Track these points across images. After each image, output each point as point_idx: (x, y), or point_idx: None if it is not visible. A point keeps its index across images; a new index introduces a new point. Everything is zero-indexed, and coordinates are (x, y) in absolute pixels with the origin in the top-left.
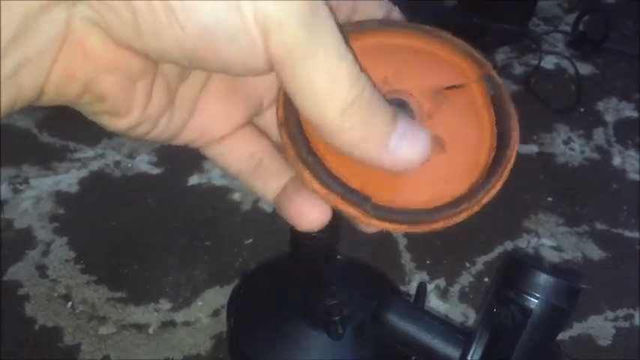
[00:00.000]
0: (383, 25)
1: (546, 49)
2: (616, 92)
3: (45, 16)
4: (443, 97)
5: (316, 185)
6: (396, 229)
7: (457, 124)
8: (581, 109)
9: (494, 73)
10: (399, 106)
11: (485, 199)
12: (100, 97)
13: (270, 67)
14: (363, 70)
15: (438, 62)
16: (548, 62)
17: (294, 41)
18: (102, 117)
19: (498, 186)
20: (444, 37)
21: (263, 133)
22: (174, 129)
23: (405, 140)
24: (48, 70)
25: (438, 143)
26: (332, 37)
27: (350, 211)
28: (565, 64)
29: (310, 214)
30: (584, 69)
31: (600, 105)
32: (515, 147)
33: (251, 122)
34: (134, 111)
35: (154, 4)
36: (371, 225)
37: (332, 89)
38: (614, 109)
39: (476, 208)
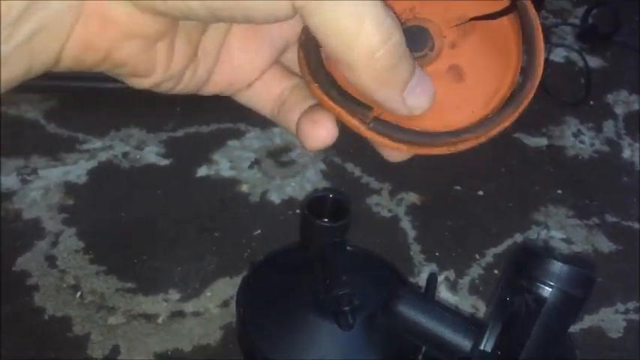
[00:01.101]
0: None
1: (555, 42)
2: (625, 85)
3: None
4: (471, 28)
5: (321, 96)
6: (397, 147)
7: (481, 55)
8: (591, 102)
9: (529, 5)
10: (418, 33)
11: (493, 131)
12: (121, 64)
13: (294, 12)
14: (390, 11)
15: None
16: (558, 55)
17: None
18: (124, 78)
19: (509, 119)
20: None
21: (289, 70)
22: (200, 80)
23: (418, 90)
24: (64, 38)
25: (456, 72)
26: None
27: (351, 121)
28: (574, 57)
29: (316, 131)
30: (594, 62)
31: (610, 98)
32: (536, 83)
33: (277, 61)
34: (157, 70)
35: None
36: (371, 139)
37: (359, 32)
38: (623, 102)
39: (482, 138)
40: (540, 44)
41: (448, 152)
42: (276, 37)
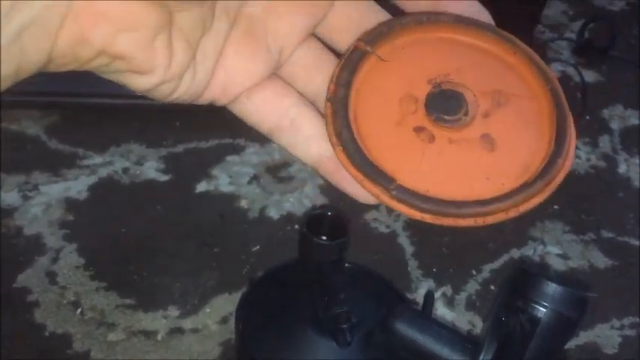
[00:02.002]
0: (458, 20)
1: (552, 57)
2: (621, 100)
3: None
4: (505, 100)
5: (345, 160)
6: (420, 217)
7: (514, 128)
8: (587, 117)
9: (559, 88)
10: (453, 97)
11: (524, 206)
12: (118, 57)
13: None
14: None
15: (506, 69)
16: (554, 69)
17: None
18: (123, 75)
19: (542, 195)
20: (517, 45)
21: (288, 84)
22: (198, 86)
23: None
24: (55, 34)
25: (487, 141)
26: None
27: (374, 190)
28: (570, 71)
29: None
30: (590, 76)
31: (606, 112)
32: (569, 163)
33: (275, 76)
34: (157, 69)
35: None
36: (394, 208)
37: None
38: (619, 117)
39: (512, 213)
40: (572, 128)
41: (475, 225)
42: (273, 42)
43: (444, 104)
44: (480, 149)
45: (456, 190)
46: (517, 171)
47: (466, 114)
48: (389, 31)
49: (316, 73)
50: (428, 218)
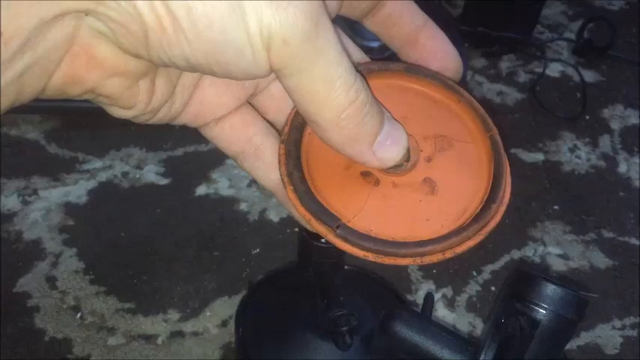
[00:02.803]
0: (408, 69)
1: (551, 57)
2: (621, 99)
3: (55, 26)
4: (448, 145)
5: (294, 200)
6: (363, 255)
7: (454, 172)
8: (587, 117)
9: (498, 135)
10: None
11: (459, 248)
12: (103, 97)
13: (270, 72)
14: (358, 75)
15: (450, 115)
16: (554, 70)
17: (297, 54)
18: (105, 107)
19: (475, 239)
20: (461, 93)
21: (259, 113)
22: (174, 114)
23: (387, 143)
24: (51, 73)
25: (429, 185)
26: (332, 47)
27: (320, 228)
28: (570, 71)
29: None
30: (590, 76)
31: (606, 112)
32: (502, 208)
33: (247, 103)
34: (138, 105)
35: (164, 23)
36: (338, 246)
37: (329, 94)
38: (619, 117)
39: (448, 254)
40: (508, 175)
41: (414, 264)
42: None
43: None
44: (422, 193)
45: (398, 230)
46: (455, 213)
47: (407, 160)
48: None
49: (288, 106)
50: (370, 257)
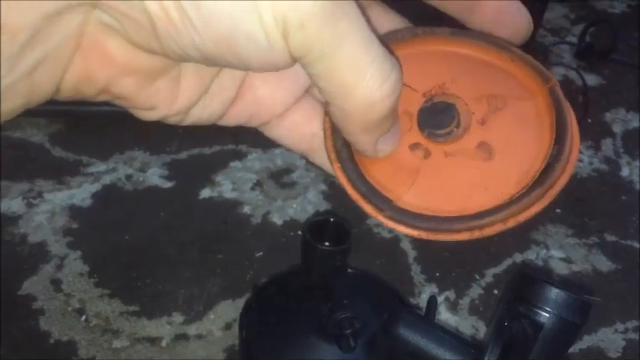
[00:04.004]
0: (454, 33)
1: (553, 61)
2: (624, 103)
3: (62, 19)
4: (503, 104)
5: (342, 178)
6: (417, 234)
7: (512, 132)
8: (589, 120)
9: (559, 89)
10: (445, 109)
11: (523, 216)
12: (119, 98)
13: (293, 62)
14: (395, 62)
15: (502, 73)
16: (556, 73)
17: (317, 39)
18: (128, 109)
19: (541, 204)
20: (513, 51)
21: (321, 105)
22: (214, 114)
23: (390, 138)
24: (63, 70)
25: (485, 149)
26: (357, 30)
27: (369, 209)
28: (572, 75)
29: None
30: (592, 80)
31: (608, 116)
32: (570, 167)
33: (308, 96)
34: (159, 106)
35: (170, 12)
36: (390, 227)
37: (359, 84)
38: (621, 120)
39: (510, 224)
40: (574, 128)
41: (472, 238)
42: (300, 70)
43: (435, 118)
44: (477, 159)
45: (455, 203)
46: (516, 177)
47: (458, 125)
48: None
49: None
50: (424, 235)
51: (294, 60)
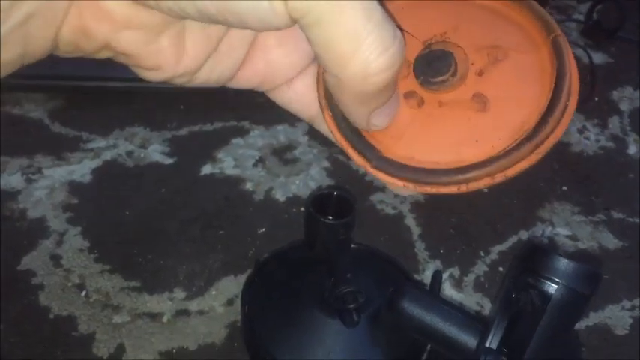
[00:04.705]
0: None
1: None
2: (630, 81)
3: None
4: (503, 56)
5: (332, 126)
6: (402, 185)
7: (510, 85)
8: (596, 99)
9: (563, 40)
10: (442, 57)
11: (511, 172)
12: (121, 54)
13: (292, 22)
14: (398, 32)
15: (507, 23)
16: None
17: (316, 3)
18: (132, 68)
19: (529, 160)
20: (521, 1)
21: None
22: (222, 76)
23: (385, 112)
24: (57, 24)
25: (480, 101)
26: None
27: (357, 158)
28: (579, 53)
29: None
30: (599, 58)
31: (615, 94)
32: (564, 123)
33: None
34: (164, 65)
35: None
36: (377, 177)
37: (356, 52)
38: (628, 98)
39: (498, 178)
40: (573, 80)
41: (459, 192)
42: None
43: (431, 66)
44: (471, 110)
45: (444, 154)
46: (510, 132)
47: (454, 74)
48: None
49: None
50: (410, 187)
51: (293, 21)
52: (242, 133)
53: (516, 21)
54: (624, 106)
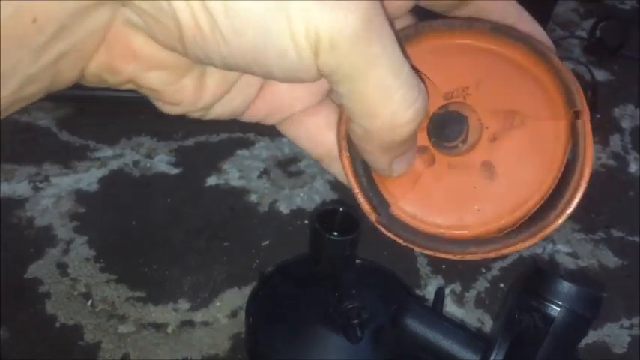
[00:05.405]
0: (495, 29)
1: (563, 55)
2: (632, 99)
3: (89, 15)
4: (520, 122)
5: (347, 168)
6: (405, 244)
7: (520, 156)
8: (597, 116)
9: (583, 117)
10: (456, 120)
11: (505, 250)
12: (144, 90)
13: (320, 76)
14: (422, 85)
15: (531, 82)
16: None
17: (347, 60)
18: (152, 100)
19: (527, 241)
20: (549, 59)
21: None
22: (236, 111)
23: (405, 159)
24: (87, 61)
25: (488, 170)
26: (389, 54)
27: (365, 207)
28: (581, 70)
29: None
30: (601, 75)
31: (616, 111)
32: (572, 204)
33: (330, 101)
34: (184, 102)
35: (200, 21)
36: (379, 231)
37: (385, 106)
38: (630, 116)
39: (492, 254)
40: (586, 166)
41: (454, 259)
42: None
43: (445, 129)
44: (478, 177)
45: (446, 217)
46: (511, 205)
47: (464, 141)
48: (416, 34)
49: None
50: (409, 245)
51: (321, 76)
52: (247, 144)
53: (541, 81)
54: (625, 124)
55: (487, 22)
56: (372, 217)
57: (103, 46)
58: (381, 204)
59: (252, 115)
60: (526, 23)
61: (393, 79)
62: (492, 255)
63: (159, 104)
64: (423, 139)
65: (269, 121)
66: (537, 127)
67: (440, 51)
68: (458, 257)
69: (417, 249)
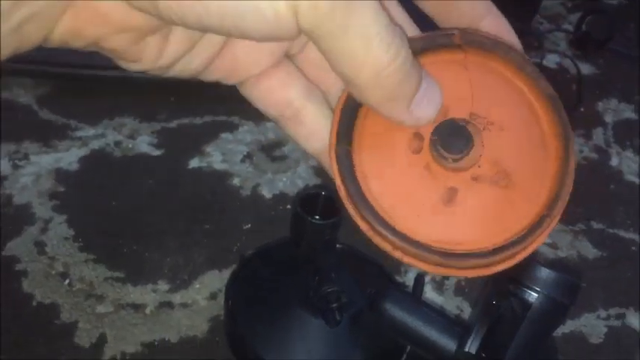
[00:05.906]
0: (499, 48)
1: (549, 48)
2: (616, 93)
3: None
4: (511, 171)
5: (351, 210)
6: (424, 268)
7: (523, 161)
8: (582, 109)
9: (571, 137)
10: (456, 130)
11: (495, 268)
12: (107, 52)
13: (299, 34)
14: (397, 30)
15: (521, 103)
16: (551, 61)
17: (328, 17)
18: (110, 56)
19: (503, 265)
20: (540, 84)
21: (300, 73)
22: (196, 70)
23: (425, 101)
24: (52, 25)
25: (504, 177)
26: (367, 6)
27: (381, 243)
28: (567, 63)
29: None
30: (586, 69)
31: (600, 105)
32: (557, 215)
33: (287, 61)
34: (145, 60)
35: None
36: (399, 260)
37: (367, 54)
38: (613, 110)
39: (476, 274)
40: (564, 200)
41: (481, 275)
42: None
43: (450, 138)
44: (494, 187)
45: (468, 234)
46: (499, 229)
47: (465, 155)
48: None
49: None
50: (430, 270)
51: (300, 32)
52: (231, 127)
53: (535, 109)
54: (609, 118)
55: (489, 39)
56: (388, 248)
57: (70, 11)
58: (393, 236)
59: (210, 75)
60: (494, 19)
61: (372, 26)
62: (477, 274)
63: (118, 60)
64: (425, 156)
65: (228, 81)
66: (523, 128)
67: (437, 65)
68: (485, 271)
69: (440, 271)
